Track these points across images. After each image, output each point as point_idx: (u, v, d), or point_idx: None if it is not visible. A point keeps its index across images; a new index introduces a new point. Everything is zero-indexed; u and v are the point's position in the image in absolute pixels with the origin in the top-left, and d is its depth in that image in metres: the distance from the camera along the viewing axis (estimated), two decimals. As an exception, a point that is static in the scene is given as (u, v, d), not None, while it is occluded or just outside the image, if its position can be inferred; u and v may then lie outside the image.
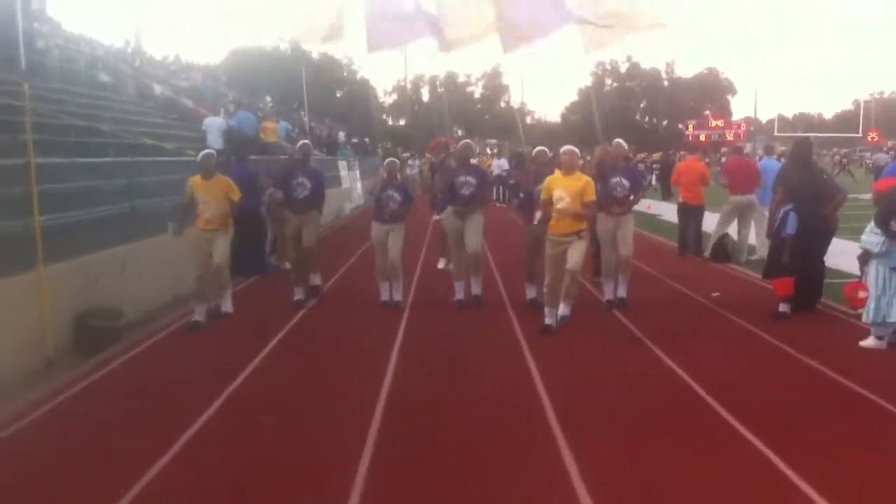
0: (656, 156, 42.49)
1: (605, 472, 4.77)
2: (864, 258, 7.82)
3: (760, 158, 14.86)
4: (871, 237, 7.68)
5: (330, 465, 4.98)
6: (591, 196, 8.50)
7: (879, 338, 7.65)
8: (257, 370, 7.26)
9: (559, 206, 8.43)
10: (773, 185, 9.94)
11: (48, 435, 5.71)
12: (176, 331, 9.02)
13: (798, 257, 8.80)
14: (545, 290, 8.74)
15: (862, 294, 7.79)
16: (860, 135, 68.67)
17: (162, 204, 10.91)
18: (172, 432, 5.50)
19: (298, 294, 10.27)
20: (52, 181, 7.97)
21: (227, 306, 9.62)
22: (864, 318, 7.81)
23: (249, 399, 6.44)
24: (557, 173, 8.69)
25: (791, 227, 8.83)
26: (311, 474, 4.89)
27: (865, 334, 7.82)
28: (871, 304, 7.60)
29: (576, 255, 8.49)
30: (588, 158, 13.07)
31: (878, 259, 7.62)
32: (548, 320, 8.59)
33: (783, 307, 8.95)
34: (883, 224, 7.52)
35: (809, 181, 9.27)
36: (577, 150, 8.82)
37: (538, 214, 8.89)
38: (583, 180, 8.53)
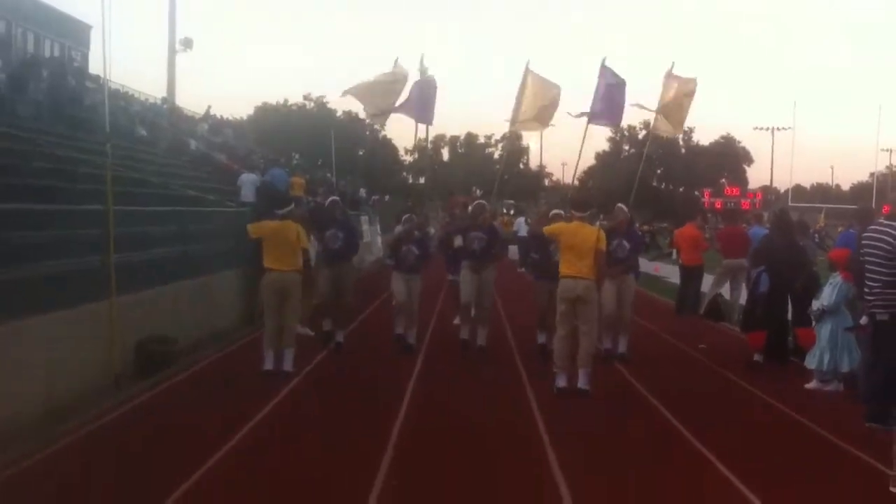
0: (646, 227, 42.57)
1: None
2: (818, 315, 8.95)
3: (751, 226, 15.76)
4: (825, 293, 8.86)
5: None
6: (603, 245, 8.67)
7: (822, 381, 8.81)
8: (292, 391, 8.44)
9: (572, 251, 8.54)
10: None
11: (112, 440, 6.83)
12: (219, 358, 10.18)
13: (770, 313, 9.89)
14: (555, 348, 8.77)
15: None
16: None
17: (205, 250, 12.23)
18: (206, 449, 6.36)
19: (327, 325, 11.30)
20: (121, 226, 9.14)
21: (289, 364, 9.19)
22: (807, 363, 8.99)
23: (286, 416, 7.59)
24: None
25: (763, 286, 9.92)
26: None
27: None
28: (826, 356, 8.72)
29: (590, 317, 8.60)
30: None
31: (831, 317, 8.75)
32: (560, 382, 8.59)
33: (756, 357, 10.03)
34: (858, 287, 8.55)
35: (784, 247, 10.32)
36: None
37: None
38: (596, 230, 8.78)
